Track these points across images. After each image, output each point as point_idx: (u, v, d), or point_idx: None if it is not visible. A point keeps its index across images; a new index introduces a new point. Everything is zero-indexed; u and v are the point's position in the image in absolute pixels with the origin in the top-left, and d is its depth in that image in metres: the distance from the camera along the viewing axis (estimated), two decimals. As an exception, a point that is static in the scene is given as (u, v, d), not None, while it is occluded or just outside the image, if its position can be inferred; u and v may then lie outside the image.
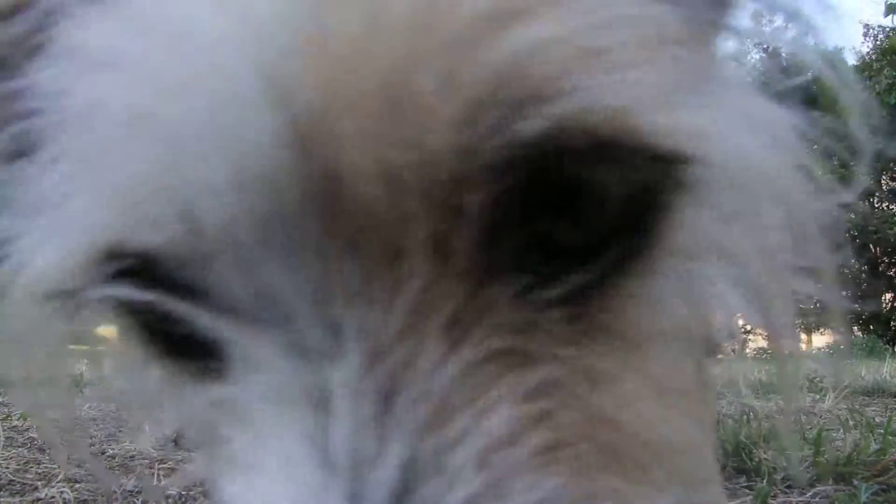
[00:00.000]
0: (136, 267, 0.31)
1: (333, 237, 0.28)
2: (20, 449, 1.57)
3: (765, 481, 1.26)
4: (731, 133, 0.33)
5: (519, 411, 0.27)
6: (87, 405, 2.44)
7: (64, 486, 1.18)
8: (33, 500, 1.11)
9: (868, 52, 22.63)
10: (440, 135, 0.26)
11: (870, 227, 19.71)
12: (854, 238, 20.56)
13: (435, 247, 0.28)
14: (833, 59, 0.46)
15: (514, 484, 0.25)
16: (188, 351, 0.34)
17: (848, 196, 0.47)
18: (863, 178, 0.50)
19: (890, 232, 19.55)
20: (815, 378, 4.17)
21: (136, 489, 1.21)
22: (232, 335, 0.31)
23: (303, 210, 0.27)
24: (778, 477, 1.31)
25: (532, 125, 0.26)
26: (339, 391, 0.27)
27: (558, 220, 0.30)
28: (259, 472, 0.30)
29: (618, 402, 0.31)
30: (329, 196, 0.27)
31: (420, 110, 0.25)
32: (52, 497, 1.12)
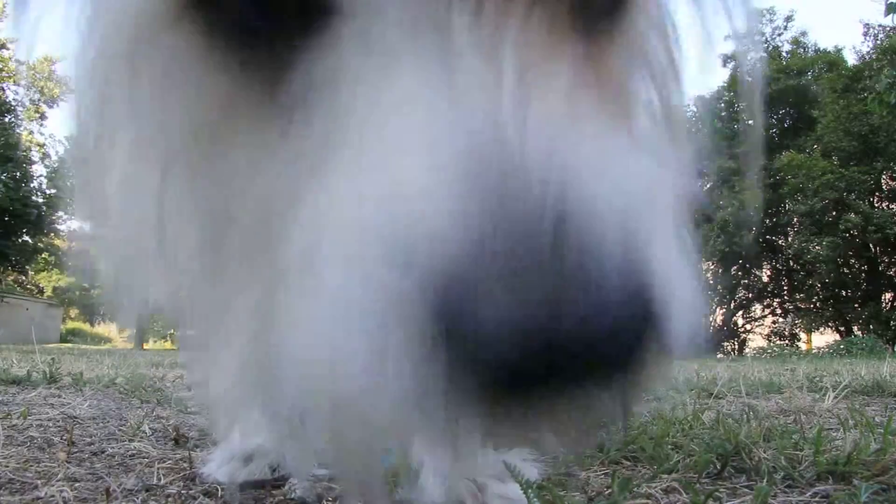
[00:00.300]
0: None
1: None
2: (20, 448, 1.57)
3: (765, 480, 1.26)
4: None
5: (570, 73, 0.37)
6: (87, 404, 2.44)
7: (64, 485, 1.18)
8: (33, 499, 1.11)
9: (868, 52, 22.59)
10: None
11: (870, 227, 19.70)
12: (854, 237, 20.58)
13: None
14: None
15: (588, 118, 0.35)
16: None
17: None
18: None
19: (890, 231, 19.51)
20: (815, 377, 4.17)
21: (136, 488, 1.21)
22: None
23: None
24: (778, 476, 1.31)
25: None
26: (458, 29, 0.35)
27: None
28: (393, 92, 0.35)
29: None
30: None
31: None
32: (52, 496, 1.12)
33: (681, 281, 0.34)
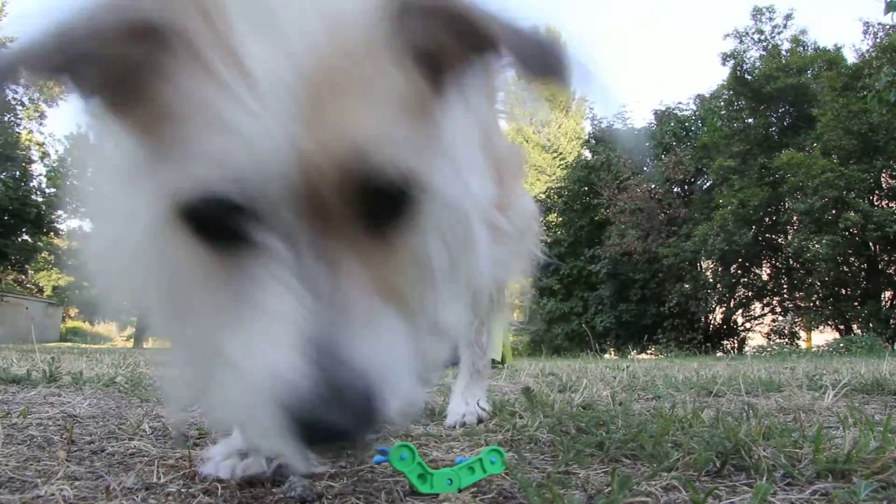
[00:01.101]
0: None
1: (307, 214, 0.72)
2: (20, 446, 1.57)
3: (764, 478, 1.26)
4: (448, 175, 0.83)
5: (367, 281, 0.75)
6: (87, 402, 2.44)
7: (64, 484, 1.18)
8: (33, 498, 1.11)
9: (868, 50, 22.56)
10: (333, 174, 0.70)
11: (870, 225, 19.69)
12: (854, 235, 20.51)
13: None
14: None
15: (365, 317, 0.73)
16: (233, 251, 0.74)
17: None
18: None
19: (889, 230, 19.50)
20: (814, 376, 4.17)
21: (136, 486, 1.21)
22: (265, 242, 0.73)
23: (297, 202, 0.70)
24: (777, 474, 1.31)
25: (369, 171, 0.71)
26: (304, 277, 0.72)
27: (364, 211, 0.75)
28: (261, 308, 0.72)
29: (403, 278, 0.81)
30: (306, 199, 0.71)
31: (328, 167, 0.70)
32: (52, 494, 1.12)
33: (401, 393, 0.72)
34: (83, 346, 22.67)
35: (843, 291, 22.69)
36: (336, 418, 0.66)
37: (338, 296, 0.71)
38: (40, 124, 31.41)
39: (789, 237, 23.24)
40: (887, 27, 21.58)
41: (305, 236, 0.72)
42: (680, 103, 28.57)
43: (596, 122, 29.98)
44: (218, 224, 0.72)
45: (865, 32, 22.95)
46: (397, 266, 0.79)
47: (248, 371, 0.70)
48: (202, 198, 0.69)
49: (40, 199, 28.13)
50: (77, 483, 1.22)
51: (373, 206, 0.74)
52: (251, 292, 0.72)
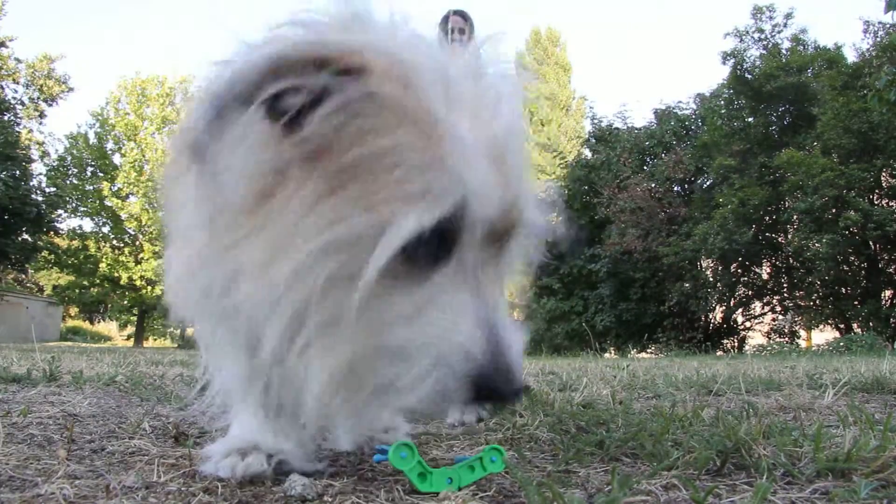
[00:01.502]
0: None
1: (482, 242, 1.01)
2: (20, 445, 1.57)
3: (764, 477, 1.26)
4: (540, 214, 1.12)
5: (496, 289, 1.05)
6: (87, 401, 2.44)
7: (64, 483, 1.18)
8: (33, 497, 1.11)
9: (868, 49, 22.54)
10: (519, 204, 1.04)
11: (870, 224, 19.68)
12: (854, 234, 20.46)
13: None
14: None
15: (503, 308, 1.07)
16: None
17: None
18: None
19: (889, 229, 19.49)
20: (814, 375, 4.18)
21: (136, 485, 1.21)
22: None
23: (480, 233, 0.99)
24: (778, 473, 1.31)
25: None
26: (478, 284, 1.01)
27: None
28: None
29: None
30: (486, 232, 1.00)
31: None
32: (52, 493, 1.12)
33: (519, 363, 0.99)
34: (83, 345, 22.69)
35: (844, 290, 22.68)
36: (509, 386, 0.96)
37: (493, 299, 1.00)
38: (40, 123, 31.44)
39: (789, 236, 23.22)
40: (887, 26, 21.56)
41: (478, 256, 0.99)
42: (680, 102, 28.50)
43: (596, 122, 29.97)
44: (418, 247, 0.93)
45: (866, 31, 22.93)
46: (505, 273, 1.10)
47: (445, 351, 0.95)
48: (426, 224, 0.91)
49: (40, 199, 28.13)
50: (77, 482, 1.22)
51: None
52: (439, 296, 0.97)
